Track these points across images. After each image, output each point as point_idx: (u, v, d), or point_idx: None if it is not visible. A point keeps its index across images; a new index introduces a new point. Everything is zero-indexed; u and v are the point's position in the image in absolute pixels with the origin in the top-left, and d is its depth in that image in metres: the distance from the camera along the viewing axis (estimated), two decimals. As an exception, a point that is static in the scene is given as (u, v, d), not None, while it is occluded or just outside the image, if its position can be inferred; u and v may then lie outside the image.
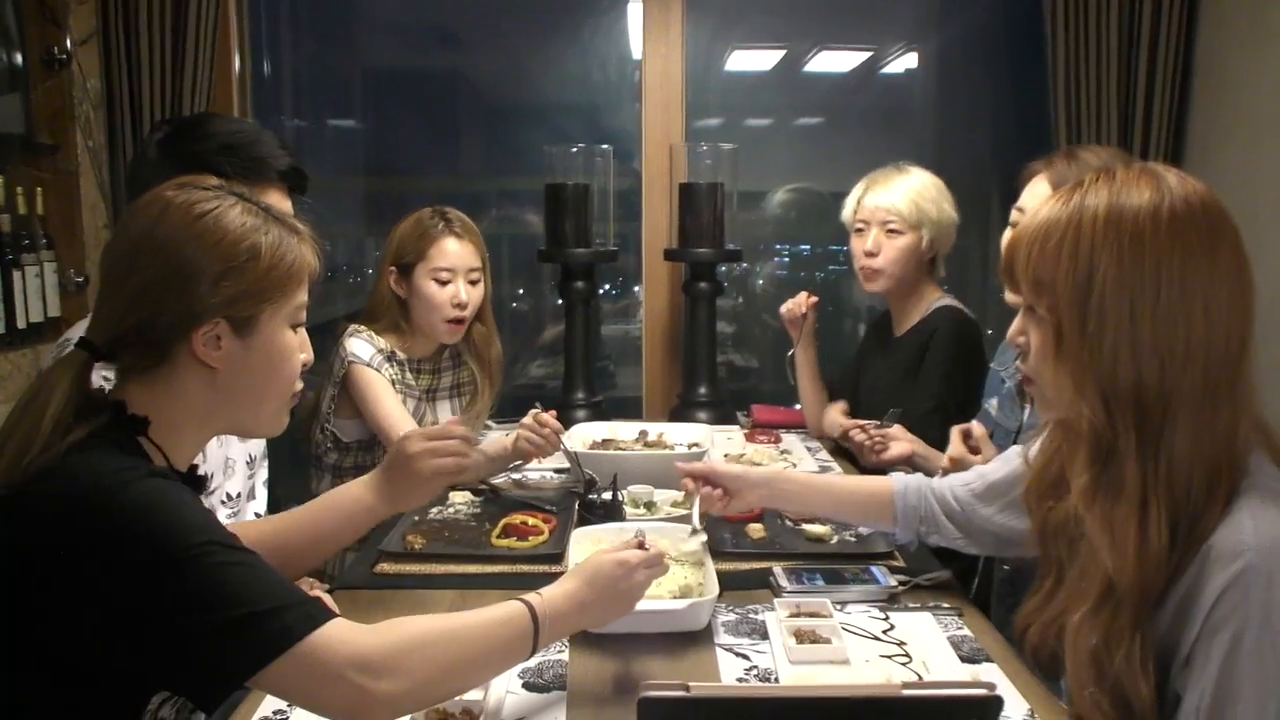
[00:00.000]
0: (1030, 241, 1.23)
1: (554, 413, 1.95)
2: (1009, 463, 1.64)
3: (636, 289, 3.45)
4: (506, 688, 1.40)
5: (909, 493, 1.75)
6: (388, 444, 2.37)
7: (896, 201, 2.49)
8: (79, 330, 1.72)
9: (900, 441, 2.21)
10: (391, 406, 2.37)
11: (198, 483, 1.34)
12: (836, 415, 2.58)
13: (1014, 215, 1.97)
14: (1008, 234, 1.96)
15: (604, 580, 1.36)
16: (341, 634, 1.14)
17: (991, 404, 2.16)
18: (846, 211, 2.63)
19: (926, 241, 2.51)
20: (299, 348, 1.37)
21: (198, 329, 1.25)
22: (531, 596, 1.30)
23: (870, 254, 2.52)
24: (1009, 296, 1.87)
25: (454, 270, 2.45)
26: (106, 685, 1.16)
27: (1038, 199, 1.86)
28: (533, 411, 1.94)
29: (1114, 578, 1.18)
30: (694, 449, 2.31)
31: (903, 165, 2.58)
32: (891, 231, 2.51)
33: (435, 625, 1.22)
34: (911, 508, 1.74)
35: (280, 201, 1.80)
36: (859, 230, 2.57)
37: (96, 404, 1.24)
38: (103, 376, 1.30)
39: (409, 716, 1.25)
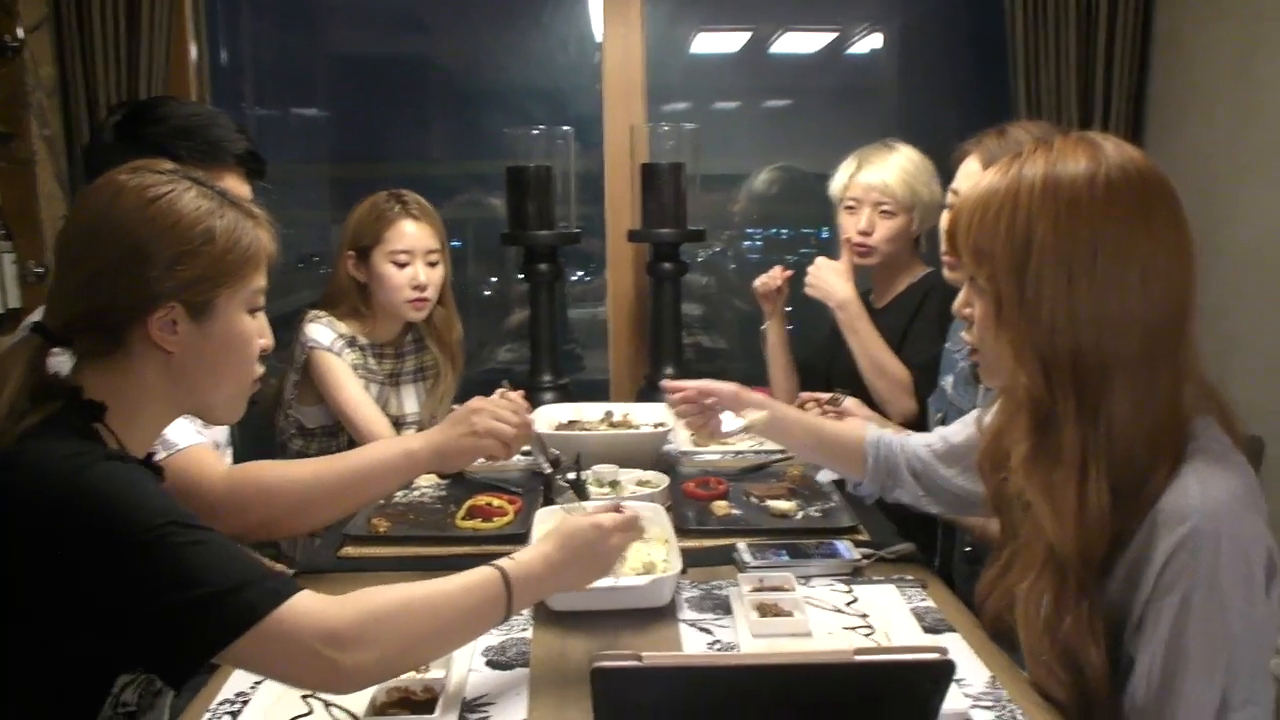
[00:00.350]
0: (970, 212, 1.24)
1: (522, 392, 1.94)
2: (969, 426, 1.65)
3: (608, 274, 3.44)
4: (470, 665, 1.40)
5: (880, 444, 1.76)
6: (351, 429, 2.37)
7: (890, 181, 2.48)
8: (38, 317, 1.71)
9: (854, 417, 2.22)
10: (354, 391, 2.36)
11: (154, 470, 1.33)
12: None
13: (949, 197, 1.98)
14: (944, 216, 1.96)
15: (578, 543, 1.37)
16: (308, 607, 1.15)
17: (947, 382, 2.17)
18: (836, 186, 2.61)
19: (916, 221, 2.53)
20: (258, 333, 1.37)
21: (153, 313, 1.24)
22: (504, 561, 1.31)
23: (864, 233, 2.53)
24: (947, 273, 1.89)
25: (412, 252, 2.44)
26: (69, 671, 1.16)
27: (970, 178, 1.87)
28: (499, 390, 1.93)
29: (1055, 543, 1.19)
30: (659, 428, 2.31)
31: (891, 143, 2.57)
32: (885, 213, 2.51)
33: (404, 594, 1.23)
34: (882, 459, 1.75)
35: (238, 186, 1.79)
36: (850, 208, 2.56)
37: (52, 389, 1.23)
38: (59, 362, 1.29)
39: (373, 688, 1.26)
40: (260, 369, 1.40)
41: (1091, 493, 1.17)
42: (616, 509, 1.44)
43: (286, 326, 2.42)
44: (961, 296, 1.33)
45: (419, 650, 1.23)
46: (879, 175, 2.51)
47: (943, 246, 1.97)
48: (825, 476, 2.11)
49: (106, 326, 1.25)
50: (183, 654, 1.11)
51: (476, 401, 1.79)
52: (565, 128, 3.09)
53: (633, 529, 1.44)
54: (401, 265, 2.44)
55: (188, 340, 1.27)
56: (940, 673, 0.97)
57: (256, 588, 1.12)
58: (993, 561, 1.39)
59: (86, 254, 1.25)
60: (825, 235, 2.84)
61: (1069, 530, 1.18)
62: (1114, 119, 3.09)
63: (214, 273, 1.27)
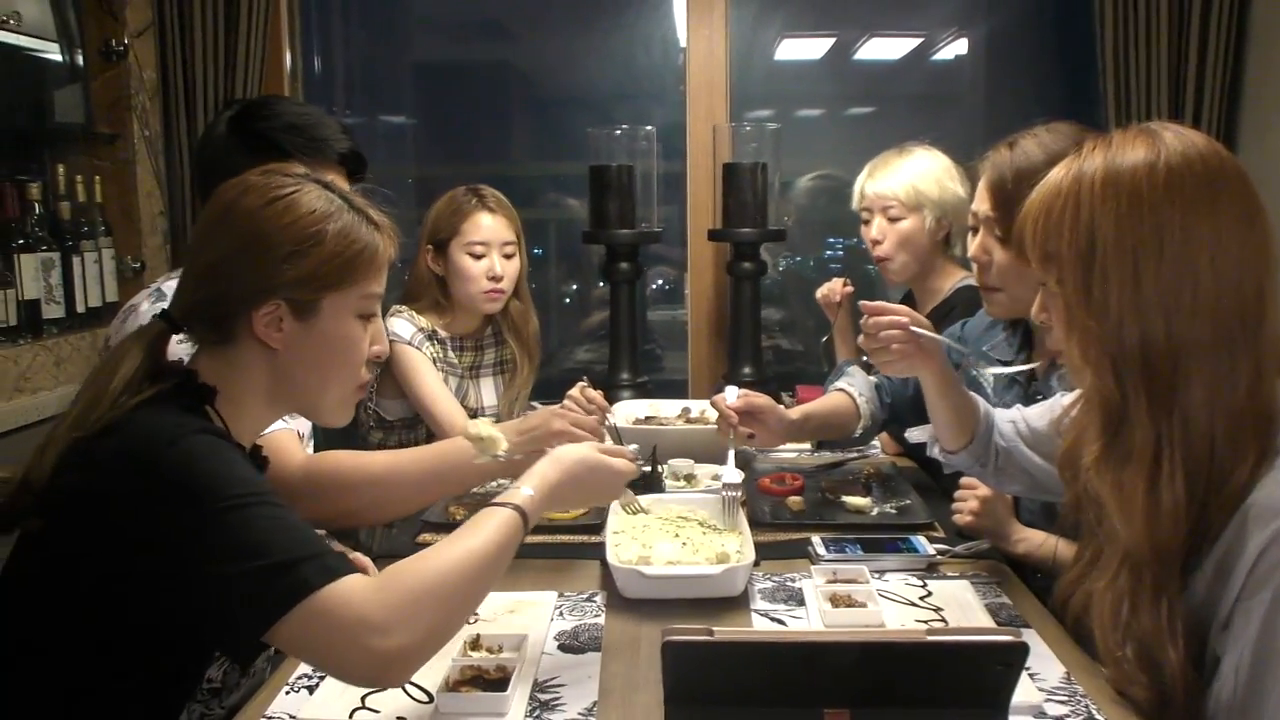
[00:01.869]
0: (1035, 217, 1.22)
1: (601, 393, 1.96)
2: (1050, 411, 1.61)
3: (688, 273, 3.45)
4: (543, 649, 1.42)
5: (989, 415, 1.66)
6: (429, 422, 2.41)
7: (894, 187, 2.45)
8: (144, 295, 1.79)
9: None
10: (433, 384, 2.40)
11: (259, 462, 1.37)
12: None
13: (969, 220, 1.90)
14: (972, 243, 1.86)
15: (571, 465, 1.41)
16: (351, 592, 1.11)
17: (987, 377, 2.01)
18: (854, 201, 2.59)
19: (931, 221, 2.45)
20: (369, 338, 1.38)
21: (259, 308, 1.28)
22: (515, 498, 1.31)
23: (876, 241, 2.49)
24: (988, 308, 1.86)
25: (488, 244, 2.47)
26: (169, 644, 1.21)
27: (981, 199, 1.81)
28: (580, 385, 1.95)
29: (1128, 543, 1.16)
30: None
31: (905, 147, 2.52)
32: (893, 218, 2.47)
33: (437, 566, 1.18)
34: (984, 431, 1.65)
35: (338, 183, 1.84)
36: (865, 221, 2.53)
37: (169, 372, 1.29)
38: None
39: (447, 667, 1.28)
40: (368, 375, 1.41)
41: (1164, 490, 1.14)
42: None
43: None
44: (1037, 303, 1.30)
45: (459, 617, 1.21)
46: (884, 183, 2.47)
47: (977, 279, 1.89)
48: (916, 437, 2.04)
49: (217, 317, 1.29)
50: (245, 627, 1.11)
51: (558, 422, 1.76)
52: (648, 127, 3.10)
53: (625, 457, 1.50)
54: (478, 257, 2.47)
55: (292, 338, 1.30)
56: (1013, 655, 0.95)
57: (312, 563, 1.11)
58: (1075, 562, 1.36)
59: (208, 245, 1.30)
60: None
61: (1139, 528, 1.15)
62: (1206, 119, 3.00)
63: (321, 274, 1.29)
